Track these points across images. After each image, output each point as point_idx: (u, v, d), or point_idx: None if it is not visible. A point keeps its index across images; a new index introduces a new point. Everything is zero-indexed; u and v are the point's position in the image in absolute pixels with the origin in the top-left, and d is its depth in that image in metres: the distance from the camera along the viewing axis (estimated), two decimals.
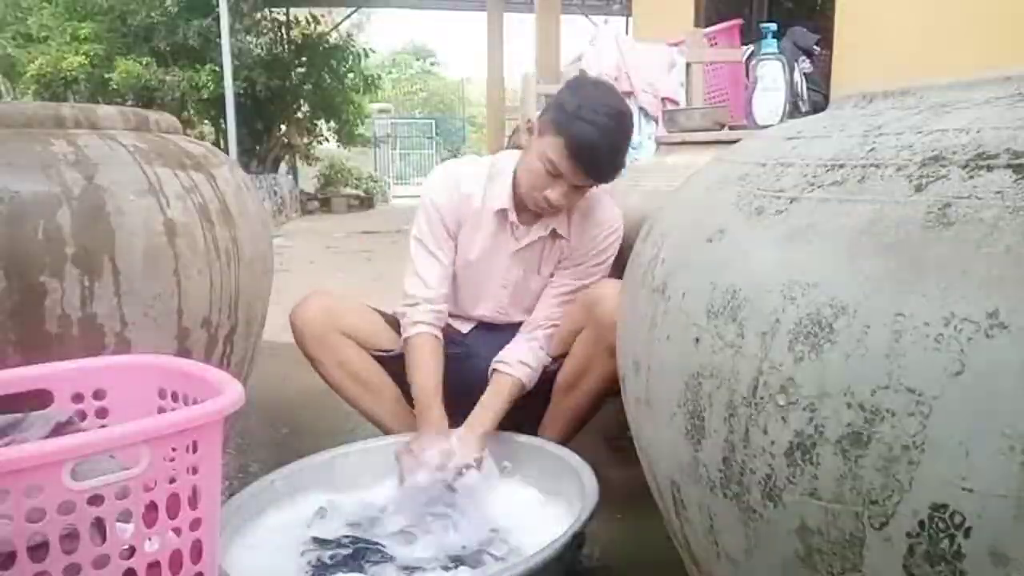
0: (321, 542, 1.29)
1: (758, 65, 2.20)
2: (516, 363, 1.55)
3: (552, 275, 1.66)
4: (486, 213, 1.60)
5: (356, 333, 1.65)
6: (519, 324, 1.67)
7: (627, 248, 1.65)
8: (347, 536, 1.31)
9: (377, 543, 1.29)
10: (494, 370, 1.57)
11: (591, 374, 1.55)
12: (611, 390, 1.51)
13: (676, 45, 3.45)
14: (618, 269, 1.58)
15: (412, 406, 1.66)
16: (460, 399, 1.52)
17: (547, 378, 1.62)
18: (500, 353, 1.59)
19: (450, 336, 1.68)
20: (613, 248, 1.63)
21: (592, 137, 1.41)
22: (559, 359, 1.62)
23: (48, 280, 1.24)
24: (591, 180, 1.49)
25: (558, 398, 1.62)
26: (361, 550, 1.27)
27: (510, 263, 1.64)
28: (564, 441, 1.56)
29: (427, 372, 1.53)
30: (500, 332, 1.68)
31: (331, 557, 1.25)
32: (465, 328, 1.73)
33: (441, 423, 1.49)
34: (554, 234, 1.61)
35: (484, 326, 1.74)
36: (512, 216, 1.59)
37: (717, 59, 3.62)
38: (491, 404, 1.51)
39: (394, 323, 1.69)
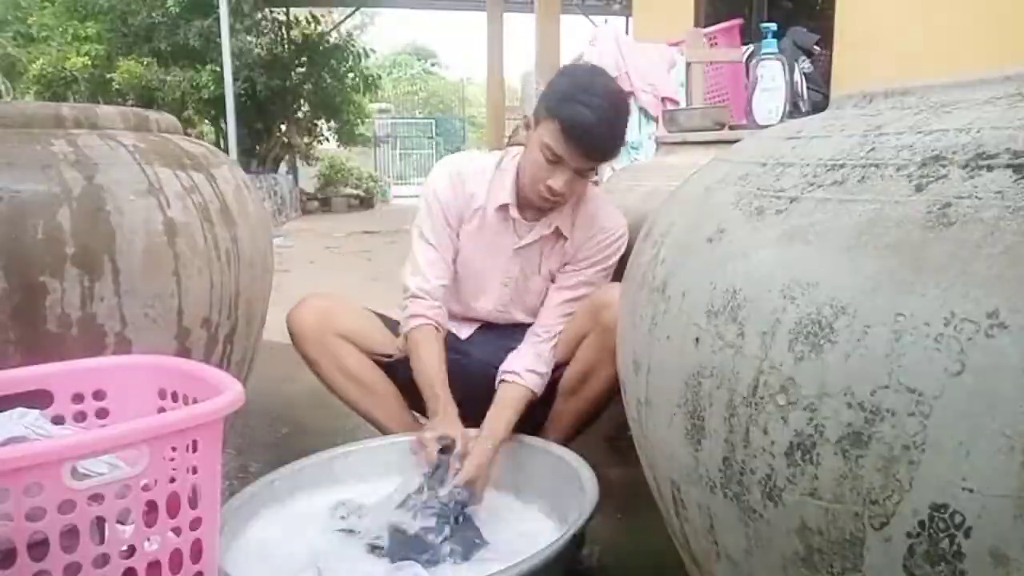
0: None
1: (758, 65, 2.20)
2: (524, 372, 1.53)
3: (554, 279, 1.64)
4: (489, 210, 1.60)
5: (353, 335, 1.64)
6: (519, 325, 1.66)
7: (627, 248, 1.65)
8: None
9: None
10: (502, 380, 1.54)
11: (595, 378, 1.54)
12: (614, 395, 1.50)
13: (676, 45, 3.45)
14: (619, 270, 1.57)
15: (411, 408, 1.65)
16: (462, 404, 1.50)
17: (551, 381, 1.61)
18: (507, 362, 1.56)
19: (449, 342, 1.68)
20: (616, 255, 1.62)
21: (586, 116, 1.41)
22: (563, 365, 1.60)
23: (48, 280, 1.24)
24: (591, 161, 1.48)
25: (561, 401, 1.61)
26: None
27: (511, 260, 1.63)
28: (565, 444, 1.55)
29: (430, 362, 1.52)
30: (500, 334, 1.67)
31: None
32: (464, 333, 1.72)
33: (449, 408, 1.46)
34: (556, 233, 1.60)
35: (484, 329, 1.73)
36: (514, 212, 1.58)
37: (717, 59, 3.62)
38: (502, 415, 1.48)
39: (392, 326, 1.68)
